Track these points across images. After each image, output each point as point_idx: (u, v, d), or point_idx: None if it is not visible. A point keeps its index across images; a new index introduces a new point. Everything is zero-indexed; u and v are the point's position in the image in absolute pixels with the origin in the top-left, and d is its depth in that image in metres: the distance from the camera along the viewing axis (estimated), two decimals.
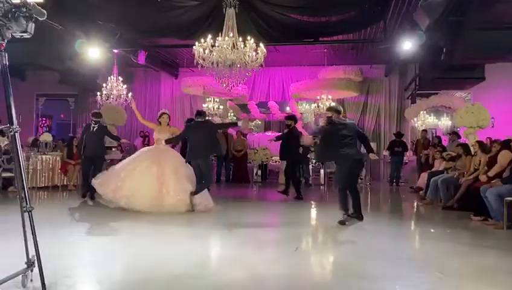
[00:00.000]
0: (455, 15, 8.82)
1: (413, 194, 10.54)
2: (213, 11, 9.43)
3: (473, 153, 8.28)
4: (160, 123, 7.70)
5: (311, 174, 13.04)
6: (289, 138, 9.18)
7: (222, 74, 9.18)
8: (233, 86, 9.71)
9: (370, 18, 10.06)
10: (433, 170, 9.96)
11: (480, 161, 7.68)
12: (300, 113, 16.61)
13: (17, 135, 2.77)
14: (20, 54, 8.31)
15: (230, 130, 14.00)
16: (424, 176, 9.92)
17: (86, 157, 8.35)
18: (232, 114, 17.18)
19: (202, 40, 8.92)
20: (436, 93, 13.95)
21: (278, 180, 12.68)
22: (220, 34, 8.83)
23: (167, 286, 3.38)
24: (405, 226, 6.84)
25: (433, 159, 10.72)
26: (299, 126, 16.39)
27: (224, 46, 8.65)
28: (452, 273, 3.89)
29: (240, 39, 8.81)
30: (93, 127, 8.32)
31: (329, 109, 6.73)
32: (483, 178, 7.02)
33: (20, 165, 2.80)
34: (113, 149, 13.32)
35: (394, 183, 12.87)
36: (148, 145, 14.26)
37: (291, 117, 9.75)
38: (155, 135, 7.68)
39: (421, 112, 14.53)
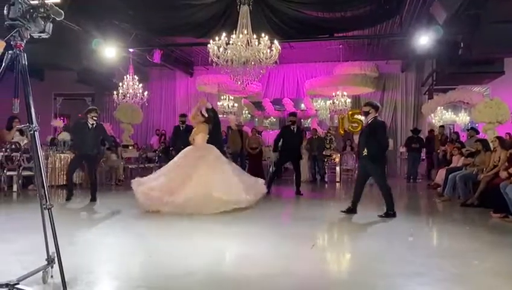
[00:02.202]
0: (473, 8, 8.66)
1: (430, 190, 10.41)
2: (227, 8, 9.45)
3: (492, 149, 8.13)
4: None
5: (326, 171, 12.97)
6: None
7: (237, 71, 9.20)
8: (248, 83, 9.73)
9: (386, 13, 9.95)
10: (451, 166, 9.82)
11: (500, 157, 7.54)
12: (316, 110, 16.55)
13: (36, 133, 2.82)
14: (39, 54, 8.40)
15: (245, 128, 14.02)
16: (442, 172, 9.79)
17: (81, 155, 7.96)
18: (246, 112, 17.20)
19: (217, 38, 8.95)
20: (454, 89, 13.73)
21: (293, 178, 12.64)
22: (234, 32, 8.84)
23: (183, 282, 3.40)
24: (423, 223, 6.76)
25: (450, 155, 10.57)
26: (314, 123, 16.37)
27: (239, 43, 8.66)
28: (471, 271, 3.83)
29: (254, 36, 8.81)
30: (93, 124, 7.85)
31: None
32: (503, 174, 6.89)
33: (40, 163, 2.84)
34: (130, 147, 13.47)
35: (411, 180, 12.74)
36: (164, 144, 14.39)
37: (296, 114, 10.21)
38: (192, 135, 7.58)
39: (439, 108, 14.32)
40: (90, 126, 7.83)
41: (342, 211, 6.63)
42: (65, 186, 8.23)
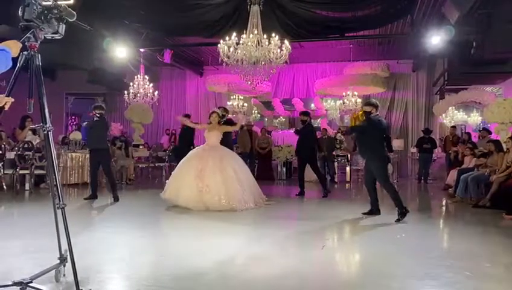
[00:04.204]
0: (485, 8, 8.58)
1: (442, 191, 10.32)
2: (237, 8, 9.46)
3: (505, 149, 8.04)
4: (211, 122, 7.66)
5: (336, 171, 12.92)
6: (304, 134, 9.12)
7: (247, 71, 9.20)
8: (258, 83, 9.71)
9: (397, 12, 9.88)
10: (462, 167, 9.72)
11: None
12: (326, 110, 16.49)
13: (50, 134, 2.84)
14: (51, 55, 8.47)
15: (255, 128, 14.02)
16: (453, 173, 9.69)
17: (90, 151, 8.21)
18: (256, 111, 17.20)
19: (227, 38, 8.96)
20: (466, 89, 13.61)
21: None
22: (244, 32, 8.85)
23: (194, 282, 3.41)
24: (434, 224, 6.69)
25: (462, 156, 10.47)
26: (323, 123, 16.30)
27: (249, 43, 8.67)
28: (482, 274, 3.79)
29: (265, 36, 8.80)
30: (96, 120, 8.05)
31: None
32: None
33: (53, 163, 2.86)
34: (140, 147, 13.56)
35: (422, 181, 12.64)
36: (174, 143, 14.43)
37: (307, 113, 9.65)
38: (205, 134, 7.64)
39: (450, 108, 14.20)
40: (94, 121, 8.06)
41: (364, 213, 6.60)
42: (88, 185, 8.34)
